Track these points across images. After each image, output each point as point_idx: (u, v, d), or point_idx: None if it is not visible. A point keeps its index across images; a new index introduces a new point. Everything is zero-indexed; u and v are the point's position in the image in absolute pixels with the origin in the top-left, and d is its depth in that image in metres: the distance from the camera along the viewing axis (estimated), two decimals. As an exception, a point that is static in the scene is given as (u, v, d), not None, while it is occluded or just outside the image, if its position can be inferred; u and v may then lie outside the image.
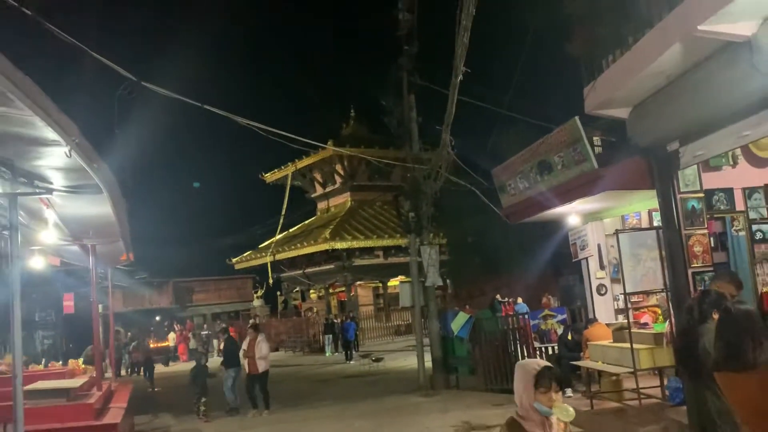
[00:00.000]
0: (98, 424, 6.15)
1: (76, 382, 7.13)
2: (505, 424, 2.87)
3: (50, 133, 3.31)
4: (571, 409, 2.82)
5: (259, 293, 36.30)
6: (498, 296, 17.69)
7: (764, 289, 5.01)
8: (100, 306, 33.25)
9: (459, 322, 12.89)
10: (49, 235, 5.52)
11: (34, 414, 6.04)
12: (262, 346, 11.64)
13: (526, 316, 11.55)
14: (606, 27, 6.45)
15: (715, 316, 4.00)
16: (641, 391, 7.69)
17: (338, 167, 33.42)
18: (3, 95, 2.67)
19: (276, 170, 35.38)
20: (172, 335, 30.97)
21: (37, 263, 7.65)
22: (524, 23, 9.81)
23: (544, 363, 2.94)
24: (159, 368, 26.19)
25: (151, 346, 27.83)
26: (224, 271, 38.08)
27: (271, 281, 33.29)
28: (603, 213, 10.01)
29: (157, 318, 36.07)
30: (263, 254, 33.05)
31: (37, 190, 4.29)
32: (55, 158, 3.90)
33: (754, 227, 7.46)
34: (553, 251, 13.00)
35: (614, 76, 6.38)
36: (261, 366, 11.52)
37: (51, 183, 4.40)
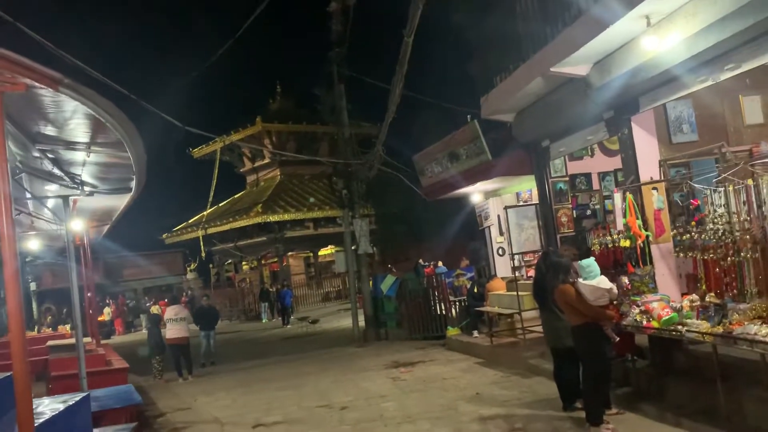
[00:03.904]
0: (111, 369, 7.80)
1: (86, 340, 8.67)
2: None
3: (131, 164, 4.90)
4: None
5: (192, 266, 37.06)
6: (421, 260, 20.06)
7: (594, 247, 7.31)
8: (33, 284, 32.62)
9: (387, 283, 15.15)
10: (77, 224, 7.02)
11: (58, 363, 7.66)
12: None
13: (443, 277, 13.86)
14: (494, 55, 8.58)
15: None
16: (528, 328, 10.12)
17: (266, 142, 33.89)
18: (121, 145, 4.28)
19: (204, 146, 34.90)
20: (107, 310, 31.45)
21: (33, 245, 9.07)
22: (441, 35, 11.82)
23: None
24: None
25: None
26: (154, 246, 38.46)
27: (203, 254, 33.81)
28: (500, 191, 12.36)
29: (89, 294, 36.20)
30: (194, 229, 33.39)
31: (85, 192, 5.84)
32: (110, 173, 5.46)
33: (606, 201, 9.98)
34: (464, 221, 15.50)
35: (500, 93, 8.55)
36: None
37: (95, 186, 5.95)
